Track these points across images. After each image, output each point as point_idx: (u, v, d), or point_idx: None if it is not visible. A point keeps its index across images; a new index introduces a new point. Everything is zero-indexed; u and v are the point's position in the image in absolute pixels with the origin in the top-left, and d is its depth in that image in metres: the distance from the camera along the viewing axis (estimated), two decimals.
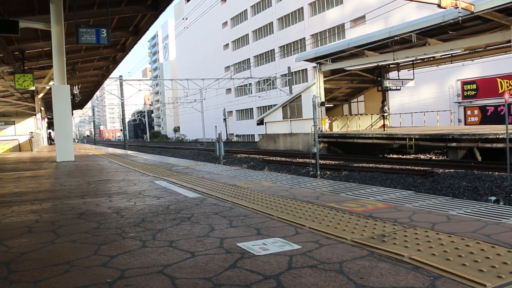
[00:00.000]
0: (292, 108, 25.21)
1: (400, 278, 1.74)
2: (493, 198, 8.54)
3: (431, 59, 21.51)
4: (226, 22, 60.63)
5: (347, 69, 21.73)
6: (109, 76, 25.16)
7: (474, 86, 25.17)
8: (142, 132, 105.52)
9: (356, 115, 26.17)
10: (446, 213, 2.97)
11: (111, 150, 19.56)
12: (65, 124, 10.59)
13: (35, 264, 2.14)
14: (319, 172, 13.83)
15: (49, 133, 37.57)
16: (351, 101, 27.89)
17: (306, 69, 43.92)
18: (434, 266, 1.85)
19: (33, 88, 13.59)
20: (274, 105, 30.22)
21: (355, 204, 3.46)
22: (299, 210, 3.26)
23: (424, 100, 31.38)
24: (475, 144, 14.10)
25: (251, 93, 50.22)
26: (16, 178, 6.88)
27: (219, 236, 2.58)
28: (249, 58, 55.24)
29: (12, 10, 10.41)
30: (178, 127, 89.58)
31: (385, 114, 21.78)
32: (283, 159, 19.38)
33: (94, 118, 74.83)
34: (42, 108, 26.93)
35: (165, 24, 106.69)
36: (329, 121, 23.98)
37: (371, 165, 14.89)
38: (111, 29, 12.89)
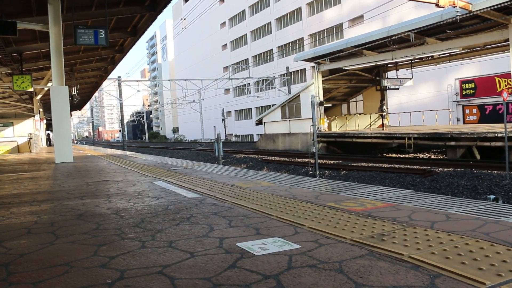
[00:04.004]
0: (290, 108, 25.21)
1: (399, 277, 1.74)
2: (492, 196, 8.56)
3: (430, 58, 21.53)
4: (224, 22, 60.63)
5: (346, 68, 21.74)
6: (108, 77, 25.13)
7: (473, 85, 25.22)
8: (141, 132, 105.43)
9: (354, 114, 26.19)
10: (445, 212, 2.97)
11: (110, 151, 19.54)
12: (63, 125, 10.57)
13: (35, 266, 2.14)
14: (318, 172, 13.84)
15: (48, 134, 37.49)
16: (350, 100, 27.90)
17: (304, 69, 43.94)
18: (434, 265, 1.85)
19: (31, 89, 13.57)
20: (273, 105, 30.24)
21: (354, 203, 3.46)
22: (299, 210, 3.26)
23: (423, 99, 31.42)
24: (473, 143, 14.11)
25: (250, 93, 50.24)
26: (14, 179, 6.86)
27: (219, 236, 2.58)
28: (248, 58, 55.25)
29: (9, 11, 10.39)
30: (177, 128, 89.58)
31: (384, 113, 21.80)
32: (282, 159, 19.38)
33: (92, 119, 74.81)
34: (41, 110, 26.87)
35: (163, 24, 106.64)
36: (328, 121, 23.99)
37: (370, 164, 14.89)
38: (109, 30, 12.88)
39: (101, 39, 9.64)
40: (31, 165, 10.45)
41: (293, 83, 43.54)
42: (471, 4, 12.51)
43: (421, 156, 18.40)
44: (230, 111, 60.60)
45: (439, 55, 20.57)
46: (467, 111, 25.09)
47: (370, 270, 1.83)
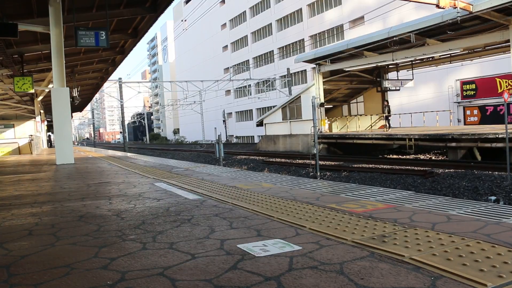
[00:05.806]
0: (291, 109, 25.21)
1: (400, 279, 1.74)
2: (493, 197, 8.54)
3: (430, 59, 21.53)
4: (225, 23, 60.67)
5: (346, 70, 21.75)
6: (109, 79, 25.17)
7: (473, 86, 25.18)
8: (142, 134, 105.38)
9: (355, 115, 26.17)
10: (446, 213, 2.97)
11: (110, 152, 19.55)
12: (64, 127, 10.58)
13: (36, 267, 2.14)
14: (319, 173, 13.83)
15: (49, 136, 37.53)
16: (351, 101, 27.90)
17: (305, 70, 43.94)
18: (435, 266, 1.85)
19: (32, 91, 13.58)
20: (274, 106, 30.24)
21: (355, 204, 3.46)
22: (300, 211, 3.26)
23: (423, 100, 31.40)
24: (474, 144, 14.10)
25: (251, 94, 50.25)
26: (16, 181, 6.87)
27: (220, 237, 2.58)
28: (248, 60, 55.26)
29: (11, 13, 10.41)
30: (178, 129, 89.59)
31: (385, 115, 21.79)
32: (283, 160, 19.37)
33: (93, 120, 74.89)
34: (42, 111, 26.91)
35: (164, 26, 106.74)
36: (329, 122, 24.00)
37: (371, 165, 14.88)
38: (110, 32, 12.89)
39: (102, 40, 9.65)
40: (32, 166, 10.46)
41: (294, 84, 43.54)
42: (472, 5, 12.51)
43: (422, 157, 18.37)
44: (231, 113, 60.60)
45: (439, 56, 20.57)
46: (468, 112, 25.06)
47: (371, 272, 1.83)
